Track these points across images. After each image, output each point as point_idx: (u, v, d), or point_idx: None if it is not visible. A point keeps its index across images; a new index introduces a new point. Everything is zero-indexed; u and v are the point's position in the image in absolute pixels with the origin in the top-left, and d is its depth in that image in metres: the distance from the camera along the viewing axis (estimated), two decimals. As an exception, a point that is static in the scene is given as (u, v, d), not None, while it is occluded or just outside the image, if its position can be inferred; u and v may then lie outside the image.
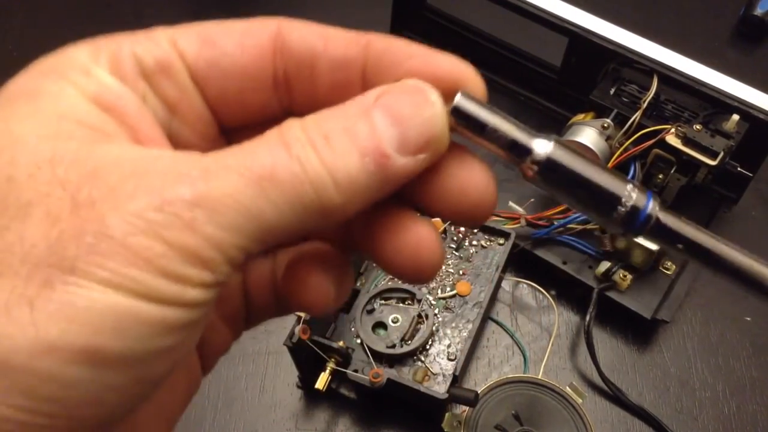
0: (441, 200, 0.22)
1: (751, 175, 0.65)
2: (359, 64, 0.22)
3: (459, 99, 0.21)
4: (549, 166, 0.22)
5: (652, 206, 0.23)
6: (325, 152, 0.20)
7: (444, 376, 0.56)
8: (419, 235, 0.22)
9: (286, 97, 0.23)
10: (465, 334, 0.58)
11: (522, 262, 0.66)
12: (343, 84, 0.23)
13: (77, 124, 0.20)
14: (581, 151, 0.23)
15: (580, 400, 0.56)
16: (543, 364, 0.61)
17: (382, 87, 0.21)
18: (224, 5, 0.92)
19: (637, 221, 0.23)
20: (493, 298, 0.62)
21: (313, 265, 0.24)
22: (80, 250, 0.18)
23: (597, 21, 0.68)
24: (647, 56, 0.65)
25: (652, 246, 0.60)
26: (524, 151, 0.22)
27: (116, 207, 0.18)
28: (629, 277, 0.62)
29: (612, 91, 0.65)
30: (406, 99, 0.21)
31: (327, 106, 0.21)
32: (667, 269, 0.64)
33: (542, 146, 0.22)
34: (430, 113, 0.21)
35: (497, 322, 0.64)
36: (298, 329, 0.52)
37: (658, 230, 0.23)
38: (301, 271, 0.24)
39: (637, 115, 0.62)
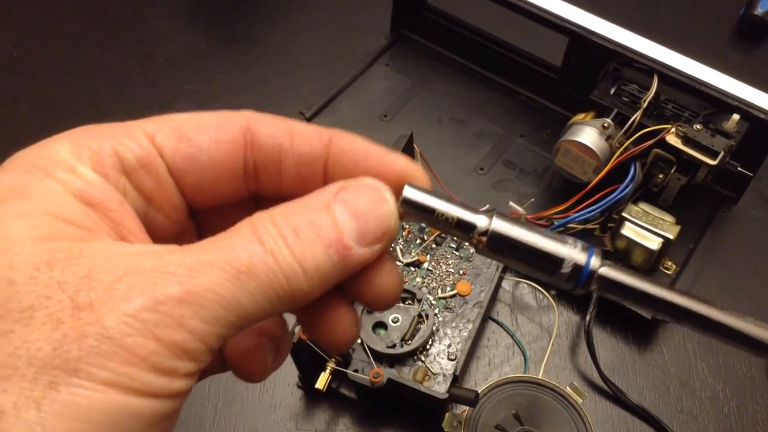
0: (362, 291, 0.25)
1: (751, 174, 0.65)
2: (322, 159, 0.25)
3: (407, 191, 0.25)
4: (494, 237, 0.25)
5: (593, 263, 0.25)
6: (296, 245, 0.22)
7: (444, 375, 0.56)
8: (337, 315, 0.25)
9: (254, 183, 0.26)
10: (465, 333, 0.58)
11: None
12: (306, 176, 0.25)
13: (66, 223, 0.21)
14: (522, 220, 0.26)
15: (580, 400, 0.56)
16: (543, 364, 0.61)
17: (340, 183, 0.24)
18: (225, 5, 0.92)
19: (581, 277, 0.25)
20: (494, 298, 0.62)
21: (254, 339, 0.27)
22: (82, 351, 0.19)
23: (597, 20, 0.68)
24: (647, 56, 0.65)
25: (652, 246, 0.60)
26: (470, 228, 0.25)
27: (113, 308, 0.20)
28: None
29: (612, 91, 0.65)
30: (364, 196, 0.24)
31: (291, 194, 0.24)
32: (668, 269, 0.64)
33: (485, 221, 0.25)
34: (385, 209, 0.24)
35: (498, 322, 0.64)
36: (297, 329, 0.52)
37: (604, 283, 0.25)
38: (243, 345, 0.27)
39: (638, 114, 0.62)
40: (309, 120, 0.76)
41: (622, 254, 0.62)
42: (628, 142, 0.63)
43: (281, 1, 0.93)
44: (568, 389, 0.56)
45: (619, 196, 0.62)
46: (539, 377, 0.58)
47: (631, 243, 0.61)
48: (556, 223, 0.64)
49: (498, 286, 0.62)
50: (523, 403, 0.55)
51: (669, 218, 0.62)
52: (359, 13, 0.90)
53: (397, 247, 0.63)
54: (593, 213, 0.63)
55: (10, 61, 0.87)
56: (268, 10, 0.91)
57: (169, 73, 0.85)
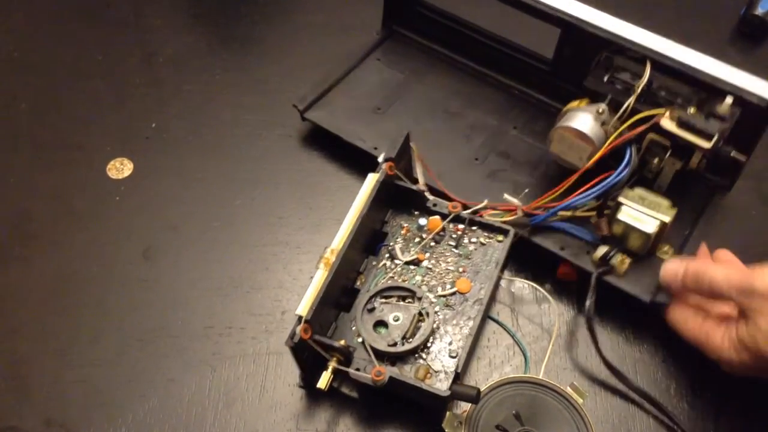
0: None
1: (743, 159, 0.64)
2: None
3: None
4: None
5: None
6: None
7: (446, 373, 0.56)
8: None
9: None
10: (466, 331, 0.58)
11: (520, 252, 0.65)
12: None
13: None
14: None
15: (580, 400, 0.56)
16: (544, 364, 0.61)
17: None
18: (225, 5, 0.92)
19: None
20: (493, 296, 0.62)
21: None
22: None
23: (589, 10, 0.67)
24: (639, 43, 0.64)
25: (649, 229, 0.60)
26: None
27: None
28: (627, 260, 0.61)
29: (606, 78, 0.65)
30: None
31: None
32: (665, 253, 0.64)
33: None
34: None
35: (498, 323, 0.64)
36: (299, 329, 0.52)
37: None
38: None
39: (632, 99, 0.62)
40: (302, 113, 0.76)
41: (620, 239, 0.62)
42: (623, 126, 0.62)
43: (281, 1, 0.93)
44: (569, 389, 0.56)
45: (616, 180, 0.61)
46: (540, 377, 0.58)
47: (628, 227, 0.61)
48: (549, 211, 0.63)
49: (497, 283, 0.62)
50: (523, 403, 0.55)
51: (665, 202, 0.62)
52: (360, 13, 0.90)
53: (396, 246, 0.63)
54: (589, 198, 0.62)
55: (10, 61, 0.87)
56: (268, 11, 0.91)
57: (169, 74, 0.85)
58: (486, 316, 0.62)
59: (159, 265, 0.69)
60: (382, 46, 0.82)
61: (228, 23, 0.90)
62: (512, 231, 0.63)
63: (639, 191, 0.62)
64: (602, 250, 0.62)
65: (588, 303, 0.60)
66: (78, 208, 0.73)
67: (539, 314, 0.65)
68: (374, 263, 0.63)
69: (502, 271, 0.62)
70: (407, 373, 0.56)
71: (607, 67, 0.66)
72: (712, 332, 0.56)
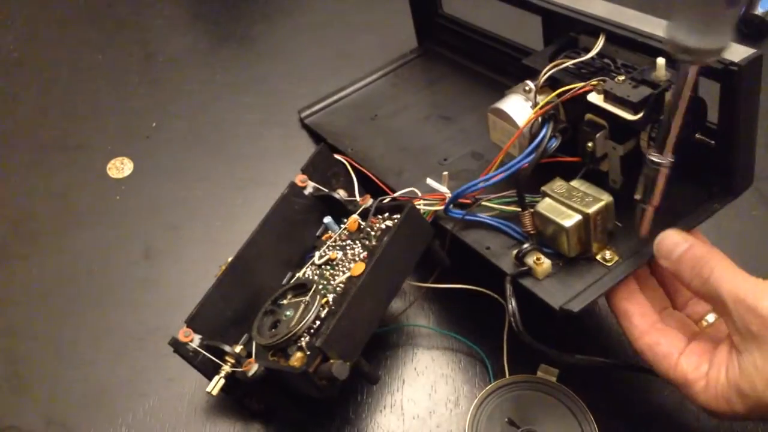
0: None
1: (712, 142, 0.52)
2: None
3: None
4: None
5: None
6: None
7: (315, 355, 0.51)
8: None
9: None
10: (340, 312, 0.52)
11: (454, 251, 0.59)
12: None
13: None
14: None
15: (554, 378, 0.54)
16: (506, 362, 0.57)
17: None
18: (225, 5, 0.92)
19: None
20: (385, 267, 0.54)
21: None
22: None
23: None
24: (595, 15, 0.56)
25: (566, 223, 0.50)
26: None
27: None
28: (545, 261, 0.52)
29: (561, 57, 0.57)
30: None
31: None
32: (607, 260, 0.52)
33: None
34: None
35: (458, 338, 0.61)
36: (180, 332, 0.52)
37: None
38: None
39: (547, 71, 0.54)
40: (303, 119, 0.77)
41: (550, 238, 0.52)
42: (542, 102, 0.54)
43: (281, 1, 0.93)
44: (540, 373, 0.55)
45: (519, 163, 0.52)
46: (509, 377, 0.56)
47: (549, 222, 0.51)
48: (450, 197, 0.57)
49: (404, 264, 0.56)
50: (510, 408, 0.54)
51: (604, 196, 0.51)
52: (359, 13, 0.90)
53: (316, 253, 0.61)
54: (485, 184, 0.55)
55: (10, 61, 0.87)
56: (269, 10, 0.92)
57: (169, 73, 0.85)
58: (383, 298, 0.55)
59: (159, 264, 0.69)
60: (413, 61, 0.83)
61: (228, 23, 0.90)
62: (408, 206, 0.56)
63: (576, 183, 0.53)
64: (519, 248, 0.53)
65: (510, 317, 0.51)
66: (78, 207, 0.73)
67: (487, 316, 0.59)
68: (297, 275, 0.61)
69: (390, 249, 0.54)
70: (286, 363, 0.53)
71: (563, 45, 0.58)
72: (692, 377, 0.46)
